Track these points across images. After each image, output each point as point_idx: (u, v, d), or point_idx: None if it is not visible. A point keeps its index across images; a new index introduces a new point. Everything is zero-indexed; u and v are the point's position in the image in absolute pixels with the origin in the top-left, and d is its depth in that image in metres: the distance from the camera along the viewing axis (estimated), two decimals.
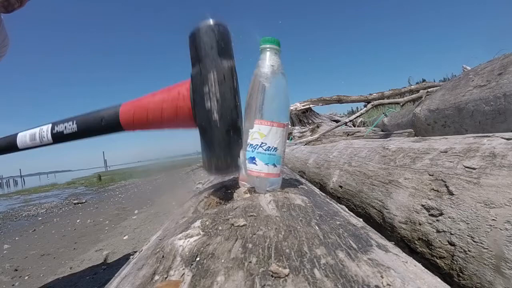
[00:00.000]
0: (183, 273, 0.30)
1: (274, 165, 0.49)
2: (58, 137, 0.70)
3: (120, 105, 0.66)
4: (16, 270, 2.38)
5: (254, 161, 0.50)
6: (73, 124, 0.68)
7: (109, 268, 2.05)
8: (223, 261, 0.31)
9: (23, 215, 5.61)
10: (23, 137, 0.74)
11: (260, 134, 0.49)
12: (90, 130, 0.68)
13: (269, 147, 0.48)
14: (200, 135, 0.59)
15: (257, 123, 0.50)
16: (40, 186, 16.57)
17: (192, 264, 0.31)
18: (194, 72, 0.57)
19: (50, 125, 0.71)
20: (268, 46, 0.53)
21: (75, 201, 6.40)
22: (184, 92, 0.58)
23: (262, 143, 0.49)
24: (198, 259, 0.32)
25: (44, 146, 0.73)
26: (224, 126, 0.54)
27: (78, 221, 4.26)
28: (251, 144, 0.50)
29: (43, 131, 0.71)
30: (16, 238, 3.65)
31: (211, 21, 0.55)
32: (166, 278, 0.30)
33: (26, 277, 2.20)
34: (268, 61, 0.52)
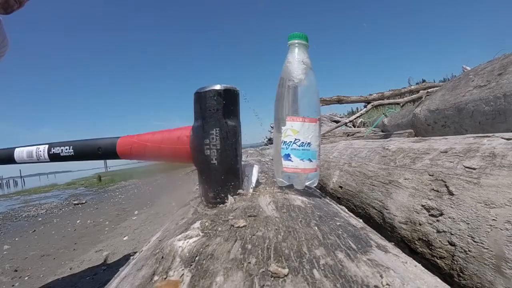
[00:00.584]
0: (183, 274, 0.30)
1: (310, 160, 0.49)
2: (55, 157, 0.73)
3: (118, 138, 0.68)
4: (16, 270, 2.39)
5: (289, 158, 0.50)
6: (70, 148, 0.71)
7: (109, 269, 2.05)
8: (222, 261, 0.31)
9: (23, 215, 5.61)
10: (20, 153, 0.77)
11: (292, 130, 0.49)
12: (86, 156, 0.70)
13: (303, 142, 0.48)
14: (198, 172, 0.60)
15: (289, 120, 0.50)
16: (40, 186, 16.58)
17: (191, 265, 0.31)
18: (196, 124, 0.58)
19: (46, 146, 0.74)
20: (297, 41, 0.52)
21: (75, 202, 6.40)
22: (184, 138, 0.60)
23: (295, 139, 0.49)
24: (197, 259, 0.32)
25: (40, 163, 0.76)
26: (222, 169, 0.56)
27: (78, 221, 4.26)
28: (284, 141, 0.50)
29: (40, 151, 0.74)
30: (16, 239, 3.65)
31: (218, 86, 0.56)
32: (165, 278, 0.30)
33: (26, 278, 2.20)
34: (297, 57, 0.51)
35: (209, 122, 0.56)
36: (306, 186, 0.56)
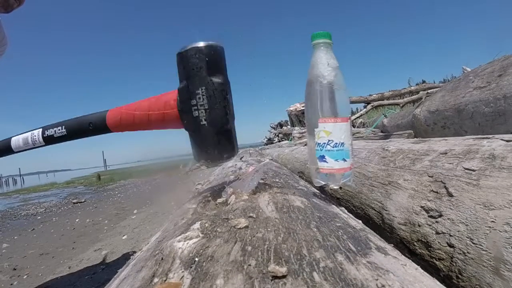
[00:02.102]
0: (183, 276, 0.30)
1: (344, 160, 0.49)
2: (49, 140, 0.73)
3: (107, 111, 0.68)
4: (15, 269, 2.38)
5: (324, 159, 0.50)
6: (62, 128, 0.71)
7: (108, 268, 2.05)
8: (222, 264, 0.31)
9: (22, 214, 5.61)
10: (16, 141, 0.78)
11: (325, 132, 0.48)
12: (78, 133, 0.71)
13: (336, 143, 0.48)
14: (189, 135, 0.60)
15: (321, 122, 0.49)
16: (39, 185, 16.56)
17: (191, 267, 0.31)
18: (181, 85, 0.57)
19: (40, 130, 0.74)
20: (321, 41, 0.51)
21: (74, 201, 6.39)
22: (171, 102, 0.59)
23: (329, 140, 0.48)
24: (197, 261, 0.32)
25: (37, 148, 0.76)
26: (213, 130, 0.55)
27: (77, 220, 4.26)
28: (318, 143, 0.50)
29: (35, 135, 0.74)
30: (15, 237, 3.64)
31: (200, 43, 0.55)
32: (165, 280, 0.30)
33: (25, 276, 2.20)
34: (324, 58, 0.50)
35: (193, 82, 0.54)
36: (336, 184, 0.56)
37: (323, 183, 0.56)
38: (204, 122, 0.55)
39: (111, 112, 0.67)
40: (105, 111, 0.68)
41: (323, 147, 0.49)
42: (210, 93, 0.54)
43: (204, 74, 0.54)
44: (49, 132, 0.72)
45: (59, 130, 0.71)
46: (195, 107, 0.55)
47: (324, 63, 0.49)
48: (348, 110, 0.51)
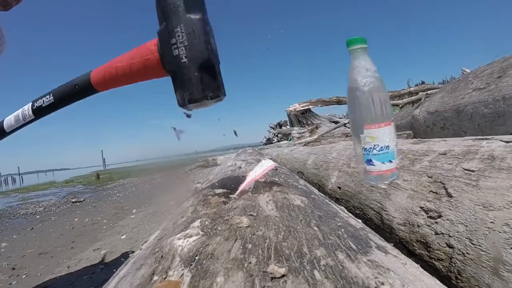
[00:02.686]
0: (182, 274, 0.30)
1: (390, 161, 0.50)
2: (39, 111, 0.74)
3: (91, 71, 0.68)
4: (14, 268, 2.38)
5: (371, 163, 0.51)
6: (50, 97, 0.71)
7: (107, 268, 2.05)
8: (222, 261, 0.31)
9: (21, 213, 5.59)
10: (8, 121, 0.79)
11: (371, 137, 0.49)
12: (66, 97, 0.71)
13: (382, 147, 0.49)
14: (172, 80, 0.59)
15: (366, 128, 0.50)
16: (38, 184, 16.52)
17: (191, 265, 0.31)
18: (160, 28, 0.57)
19: (30, 104, 0.75)
20: (358, 47, 0.51)
21: (73, 200, 6.38)
22: (152, 47, 0.58)
23: (374, 145, 0.50)
24: (197, 259, 0.32)
25: (28, 123, 0.78)
26: (194, 65, 0.54)
27: (76, 220, 4.25)
28: (365, 148, 0.51)
29: (25, 110, 0.75)
30: (14, 237, 3.63)
31: None
32: (165, 278, 0.30)
33: (24, 276, 2.19)
34: (362, 64, 0.50)
35: (171, 21, 0.54)
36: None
37: (373, 183, 0.56)
38: (185, 60, 0.53)
39: (95, 71, 0.67)
40: (89, 71, 0.68)
41: (369, 152, 0.50)
42: (189, 29, 0.53)
43: (182, 11, 0.54)
44: (38, 103, 0.73)
45: (47, 99, 0.71)
46: (175, 46, 0.54)
47: (363, 70, 0.49)
48: (389, 113, 0.51)
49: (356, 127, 0.52)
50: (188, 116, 0.67)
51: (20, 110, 0.76)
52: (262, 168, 0.64)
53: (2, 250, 3.03)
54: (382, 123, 0.49)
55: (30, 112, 0.74)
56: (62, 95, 0.71)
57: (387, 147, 0.50)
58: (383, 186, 0.54)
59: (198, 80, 0.54)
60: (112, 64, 0.64)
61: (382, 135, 0.49)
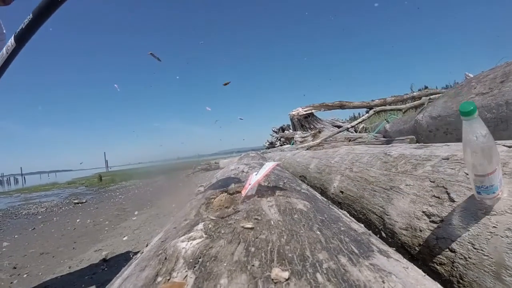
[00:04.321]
0: (186, 275, 0.30)
1: (494, 192, 0.56)
2: (20, 36, 0.78)
3: None
4: (15, 268, 2.38)
5: (479, 193, 0.57)
6: (29, 16, 0.75)
7: (108, 269, 2.05)
8: (226, 264, 0.31)
9: (23, 213, 5.61)
10: None
11: (480, 181, 0.55)
12: (43, 9, 0.74)
13: (487, 187, 0.55)
14: None
15: (476, 176, 0.56)
16: (41, 185, 16.56)
17: (195, 267, 0.32)
18: None
19: (12, 36, 0.79)
20: (476, 115, 0.55)
21: (75, 201, 6.39)
22: None
23: (482, 185, 0.56)
24: (201, 261, 0.33)
25: (13, 55, 0.81)
26: None
27: (78, 220, 4.26)
28: (476, 185, 0.57)
29: (8, 44, 0.79)
30: (16, 236, 3.65)
31: None
32: (169, 280, 0.31)
33: (25, 275, 2.19)
34: (477, 131, 0.55)
35: None
36: None
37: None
38: None
39: None
40: None
41: (479, 188, 0.56)
42: None
43: None
44: (19, 29, 0.76)
45: (26, 21, 0.75)
46: None
47: (477, 136, 0.55)
48: (493, 164, 0.56)
49: (472, 170, 0.57)
50: (158, 59, 0.69)
51: (4, 47, 0.80)
52: (265, 169, 0.65)
53: (4, 249, 3.04)
54: (489, 173, 0.55)
55: (13, 41, 0.78)
56: (39, 8, 0.73)
57: (492, 185, 0.56)
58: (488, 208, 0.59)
59: None
60: None
61: (490, 180, 0.55)
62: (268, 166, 0.66)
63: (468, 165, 0.57)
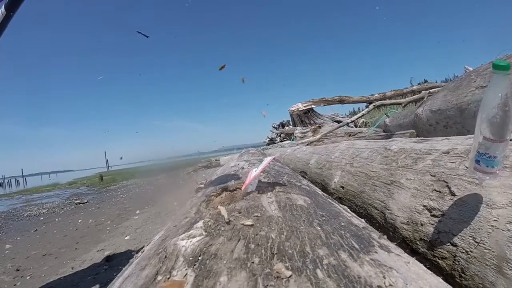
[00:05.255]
0: (186, 273, 0.30)
1: (492, 167, 0.55)
2: (10, 4, 0.79)
3: None
4: (18, 270, 2.39)
5: (478, 163, 0.56)
6: None
7: (111, 268, 2.05)
8: (225, 261, 0.31)
9: (25, 215, 5.62)
10: None
11: (485, 146, 0.55)
12: None
13: (490, 156, 0.55)
14: None
15: (484, 139, 0.55)
16: (42, 186, 16.57)
17: (195, 265, 0.32)
18: None
19: (3, 5, 0.80)
20: (508, 72, 0.54)
21: (77, 201, 6.40)
22: None
23: (486, 153, 0.55)
24: (200, 259, 0.32)
25: (4, 24, 0.81)
26: None
27: (79, 221, 4.27)
28: (478, 151, 0.56)
29: None
30: (18, 238, 3.65)
31: None
32: (169, 278, 0.31)
33: (28, 277, 2.20)
34: (504, 89, 0.54)
35: None
36: None
37: (476, 176, 0.60)
38: None
39: None
40: None
41: (480, 155, 0.56)
42: None
43: None
44: None
45: None
46: None
47: (503, 95, 0.53)
48: (506, 132, 0.54)
49: (479, 131, 0.56)
50: (146, 36, 0.70)
51: None
52: (262, 165, 0.65)
53: (7, 251, 3.05)
54: (497, 140, 0.54)
55: (3, 9, 0.79)
56: None
57: (495, 157, 0.55)
58: (480, 182, 0.58)
59: None
60: None
61: (495, 149, 0.54)
62: (266, 160, 0.66)
63: (479, 126, 0.56)
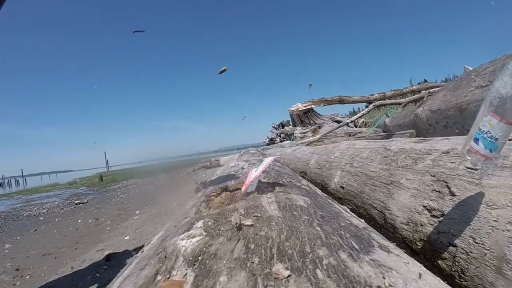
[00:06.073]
0: (186, 273, 0.30)
1: (490, 151, 0.54)
2: None
3: None
4: (18, 269, 2.39)
5: (477, 141, 0.55)
6: None
7: (111, 268, 2.05)
8: (225, 261, 0.31)
9: (25, 215, 5.61)
10: None
11: (489, 124, 0.54)
12: None
13: (492, 136, 0.53)
14: None
15: (490, 115, 0.54)
16: (42, 186, 16.55)
17: (194, 264, 0.32)
18: None
19: None
20: None
21: (76, 201, 6.39)
22: None
23: (488, 131, 0.54)
24: (200, 259, 0.32)
25: None
26: None
27: (79, 221, 4.26)
28: (480, 128, 0.55)
29: None
30: (18, 238, 3.65)
31: None
32: (168, 278, 0.31)
33: (28, 277, 2.20)
34: None
35: None
36: None
37: (467, 158, 0.59)
38: None
39: None
40: None
41: (481, 133, 0.55)
42: None
43: None
44: None
45: None
46: None
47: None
48: None
49: (486, 108, 0.55)
50: (142, 31, 0.71)
51: None
52: (263, 165, 0.65)
53: (6, 251, 3.05)
54: (503, 120, 0.53)
55: None
56: None
57: (496, 139, 0.54)
58: (472, 166, 0.57)
59: None
60: None
61: (499, 129, 0.53)
62: (267, 161, 0.66)
63: (488, 101, 0.55)
